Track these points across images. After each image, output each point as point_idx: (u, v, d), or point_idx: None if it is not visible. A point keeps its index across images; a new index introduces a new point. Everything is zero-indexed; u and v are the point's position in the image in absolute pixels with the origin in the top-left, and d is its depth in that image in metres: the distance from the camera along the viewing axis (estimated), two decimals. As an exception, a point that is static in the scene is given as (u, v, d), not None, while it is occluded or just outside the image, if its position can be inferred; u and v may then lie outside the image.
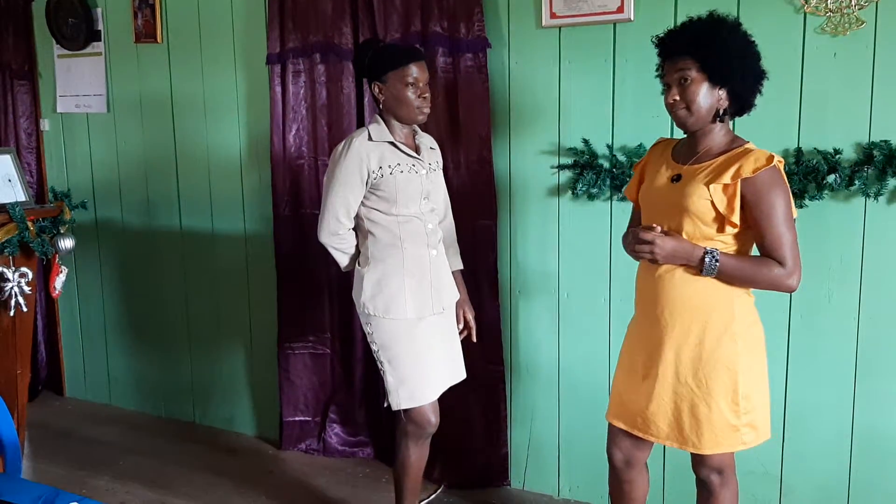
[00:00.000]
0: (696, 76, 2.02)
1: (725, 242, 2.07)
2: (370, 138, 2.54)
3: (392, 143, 2.55)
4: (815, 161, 2.56)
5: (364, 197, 2.56)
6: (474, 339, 2.83)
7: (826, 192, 2.57)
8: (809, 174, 2.56)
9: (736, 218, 2.01)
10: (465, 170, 3.10)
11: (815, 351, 2.69)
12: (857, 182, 2.52)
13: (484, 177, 3.07)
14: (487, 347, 3.11)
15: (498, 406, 3.19)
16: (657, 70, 2.17)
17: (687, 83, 2.02)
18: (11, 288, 3.06)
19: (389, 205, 2.55)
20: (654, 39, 2.14)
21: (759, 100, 2.65)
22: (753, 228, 2.04)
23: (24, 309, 3.11)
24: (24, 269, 3.08)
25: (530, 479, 3.23)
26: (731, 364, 2.08)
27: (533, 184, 3.05)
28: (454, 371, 2.73)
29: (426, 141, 2.71)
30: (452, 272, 2.77)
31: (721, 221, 2.04)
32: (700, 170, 2.07)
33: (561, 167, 2.97)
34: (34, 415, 3.97)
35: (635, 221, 2.37)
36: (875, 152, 2.49)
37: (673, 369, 2.12)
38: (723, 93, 2.04)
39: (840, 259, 2.61)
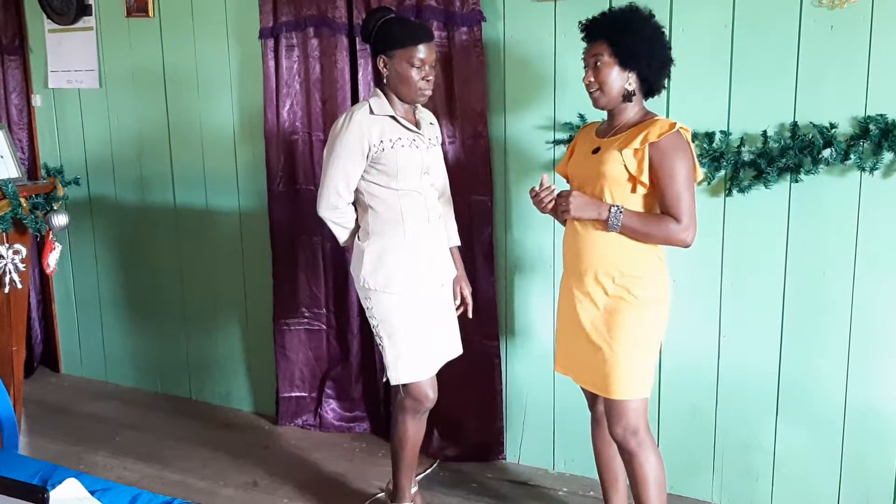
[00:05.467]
0: (608, 60, 2.25)
1: (636, 204, 2.28)
2: (371, 111, 2.52)
3: (393, 118, 2.53)
4: (810, 135, 2.56)
5: (364, 171, 2.55)
6: (470, 315, 2.83)
7: (821, 166, 2.56)
8: (805, 148, 2.56)
9: (645, 178, 2.23)
10: (460, 145, 3.08)
11: (810, 325, 2.70)
12: (852, 156, 2.51)
13: (479, 152, 3.06)
14: (483, 322, 3.11)
15: (493, 381, 3.20)
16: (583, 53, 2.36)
17: (600, 66, 2.26)
18: (5, 265, 3.05)
19: (389, 179, 2.54)
20: (579, 24, 2.35)
21: (755, 73, 2.65)
22: (657, 189, 2.24)
23: (19, 286, 3.11)
24: (17, 246, 3.07)
25: (525, 453, 3.25)
26: (638, 315, 2.28)
27: (528, 158, 3.04)
28: (451, 347, 2.74)
29: (426, 116, 2.69)
30: (450, 248, 2.76)
31: (633, 183, 2.25)
32: (614, 141, 2.30)
33: (556, 142, 2.96)
34: (30, 391, 3.98)
35: None
36: (871, 126, 2.48)
37: (590, 319, 2.33)
38: (632, 76, 2.27)
39: (835, 233, 2.61)
